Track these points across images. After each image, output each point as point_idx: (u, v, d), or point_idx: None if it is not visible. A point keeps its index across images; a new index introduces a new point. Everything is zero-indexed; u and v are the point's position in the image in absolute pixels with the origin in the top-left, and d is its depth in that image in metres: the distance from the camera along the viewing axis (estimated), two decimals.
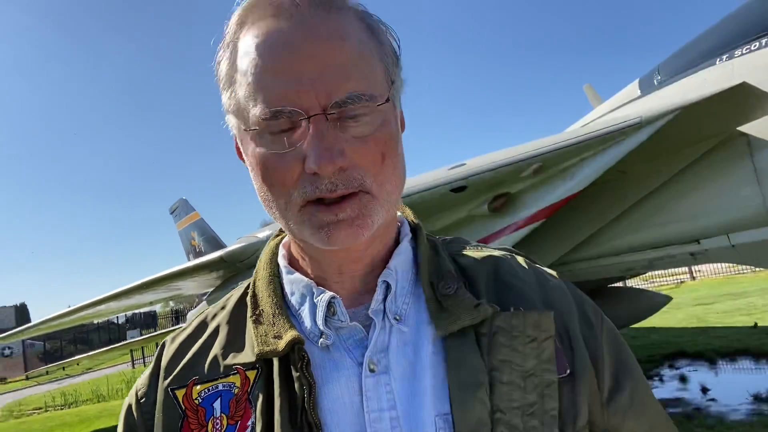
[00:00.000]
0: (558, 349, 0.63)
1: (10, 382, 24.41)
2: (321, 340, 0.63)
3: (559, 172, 3.91)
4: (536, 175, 3.93)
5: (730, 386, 5.77)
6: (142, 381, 0.71)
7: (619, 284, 7.04)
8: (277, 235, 0.79)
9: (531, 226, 4.04)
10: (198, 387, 0.64)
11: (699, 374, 6.43)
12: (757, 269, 17.81)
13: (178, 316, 27.99)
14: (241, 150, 0.65)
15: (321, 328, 0.64)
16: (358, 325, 0.64)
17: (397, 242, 0.71)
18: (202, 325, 0.72)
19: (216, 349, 0.67)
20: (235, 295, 0.75)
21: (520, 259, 0.74)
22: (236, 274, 6.08)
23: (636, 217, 4.21)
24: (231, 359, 0.65)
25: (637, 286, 10.99)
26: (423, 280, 0.67)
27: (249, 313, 0.68)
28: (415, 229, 0.74)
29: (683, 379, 6.25)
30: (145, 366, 20.58)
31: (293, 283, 0.69)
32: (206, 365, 0.66)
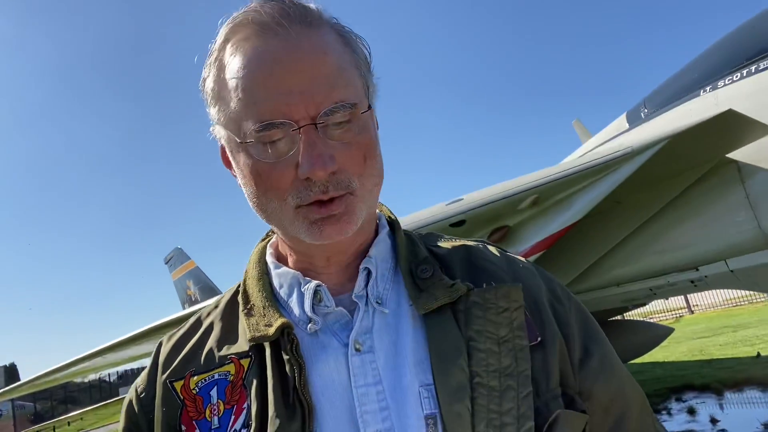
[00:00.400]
0: (528, 320, 0.68)
1: None
2: (309, 325, 0.68)
3: (556, 204, 3.96)
4: (533, 208, 3.99)
5: (740, 416, 5.69)
6: (141, 378, 0.76)
7: (618, 317, 7.02)
8: (263, 239, 0.84)
9: (531, 258, 4.07)
10: (195, 378, 0.69)
11: (707, 406, 6.34)
12: (755, 301, 17.79)
13: None
14: (231, 159, 0.70)
15: (309, 314, 0.68)
16: (343, 309, 0.69)
17: (376, 234, 0.77)
18: (197, 324, 0.77)
19: (211, 342, 0.72)
20: (226, 295, 0.80)
21: (491, 247, 0.80)
22: None
23: (634, 246, 4.25)
24: (225, 350, 0.70)
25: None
26: (402, 266, 0.73)
27: (241, 308, 0.73)
28: (392, 223, 0.80)
29: (692, 411, 6.15)
30: None
31: (281, 276, 0.74)
32: (202, 358, 0.71)
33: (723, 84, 3.85)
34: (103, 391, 33.83)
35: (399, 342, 0.67)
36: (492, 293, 0.68)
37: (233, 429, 0.64)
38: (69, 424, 11.90)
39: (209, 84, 0.67)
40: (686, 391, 7.25)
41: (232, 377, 0.67)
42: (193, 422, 0.66)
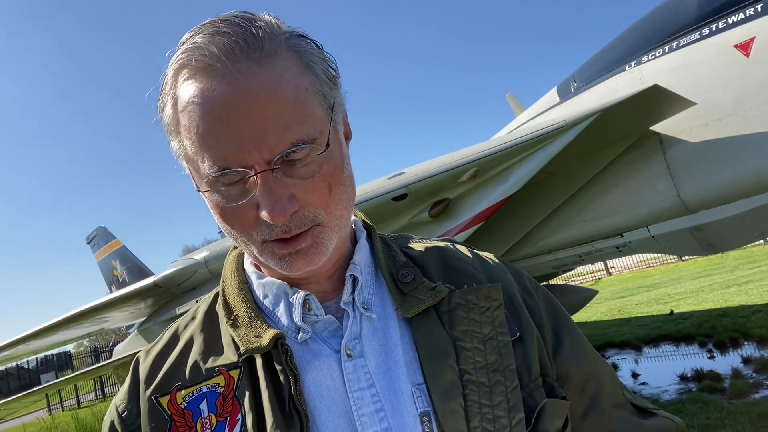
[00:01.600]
0: (506, 316, 0.71)
1: None
2: (300, 335, 0.69)
3: (494, 176, 4.08)
4: (472, 181, 4.09)
5: (658, 370, 6.19)
6: (120, 396, 0.73)
7: (544, 283, 7.39)
8: (237, 247, 0.81)
9: (470, 230, 4.18)
10: (182, 392, 0.67)
11: (628, 362, 6.84)
12: (666, 262, 19.16)
13: (98, 354, 26.26)
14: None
15: (298, 323, 0.69)
16: (332, 317, 0.70)
17: (354, 240, 0.78)
18: (174, 337, 0.76)
19: (195, 355, 0.71)
20: (202, 306, 0.78)
21: (461, 247, 0.83)
22: (170, 300, 5.85)
23: (565, 216, 4.45)
24: (212, 363, 0.69)
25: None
26: (383, 272, 0.75)
27: (224, 320, 0.72)
28: (367, 227, 0.82)
29: (615, 367, 6.61)
30: (63, 411, 19.16)
31: (266, 286, 0.74)
32: (187, 371, 0.69)
33: (647, 59, 4.05)
34: (22, 377, 32.02)
35: (388, 345, 0.69)
36: (473, 294, 0.70)
37: None
38: None
39: (166, 115, 0.64)
40: (608, 348, 7.78)
41: (222, 389, 0.66)
42: None
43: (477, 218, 4.11)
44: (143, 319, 6.65)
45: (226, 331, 0.71)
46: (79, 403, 20.33)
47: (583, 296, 6.68)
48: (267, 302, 0.73)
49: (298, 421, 0.62)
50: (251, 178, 0.60)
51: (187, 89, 0.60)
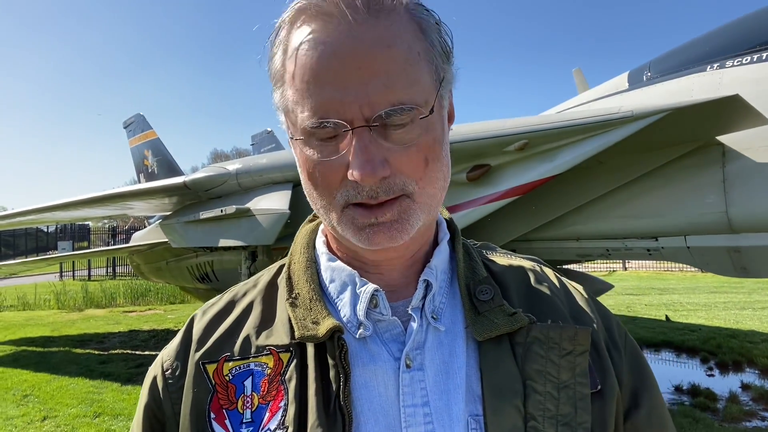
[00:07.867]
0: (590, 366, 0.64)
1: None
2: (360, 331, 0.64)
3: (542, 153, 3.95)
4: (519, 152, 3.97)
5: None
6: (168, 352, 0.71)
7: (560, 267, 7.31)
8: (311, 220, 0.79)
9: (504, 201, 4.10)
10: (230, 363, 0.65)
11: None
12: (684, 269, 18.88)
13: (115, 234, 27.13)
14: (291, 146, 0.66)
15: (361, 319, 0.64)
16: (398, 320, 0.65)
17: (435, 241, 0.72)
18: (231, 303, 0.73)
19: (248, 328, 0.68)
20: (266, 275, 0.75)
21: (548, 271, 0.76)
22: (196, 203, 5.93)
23: (603, 207, 4.33)
24: (264, 340, 0.66)
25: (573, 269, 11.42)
26: (460, 283, 0.69)
27: (285, 296, 0.69)
28: (452, 231, 0.76)
29: None
30: (73, 279, 20.02)
31: (334, 271, 0.69)
32: (238, 343, 0.66)
33: (731, 64, 3.81)
34: (40, 239, 33.41)
35: (451, 364, 0.64)
36: (557, 332, 0.64)
37: (266, 428, 0.60)
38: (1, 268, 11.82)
39: (276, 64, 0.62)
40: None
41: (269, 371, 0.63)
42: (224, 411, 0.63)
43: (514, 191, 4.02)
44: (166, 213, 6.77)
45: (284, 309, 0.68)
46: (90, 275, 21.22)
47: (596, 288, 6.62)
48: (332, 288, 0.69)
49: (341, 424, 0.58)
50: (347, 135, 0.57)
51: (300, 34, 0.59)
